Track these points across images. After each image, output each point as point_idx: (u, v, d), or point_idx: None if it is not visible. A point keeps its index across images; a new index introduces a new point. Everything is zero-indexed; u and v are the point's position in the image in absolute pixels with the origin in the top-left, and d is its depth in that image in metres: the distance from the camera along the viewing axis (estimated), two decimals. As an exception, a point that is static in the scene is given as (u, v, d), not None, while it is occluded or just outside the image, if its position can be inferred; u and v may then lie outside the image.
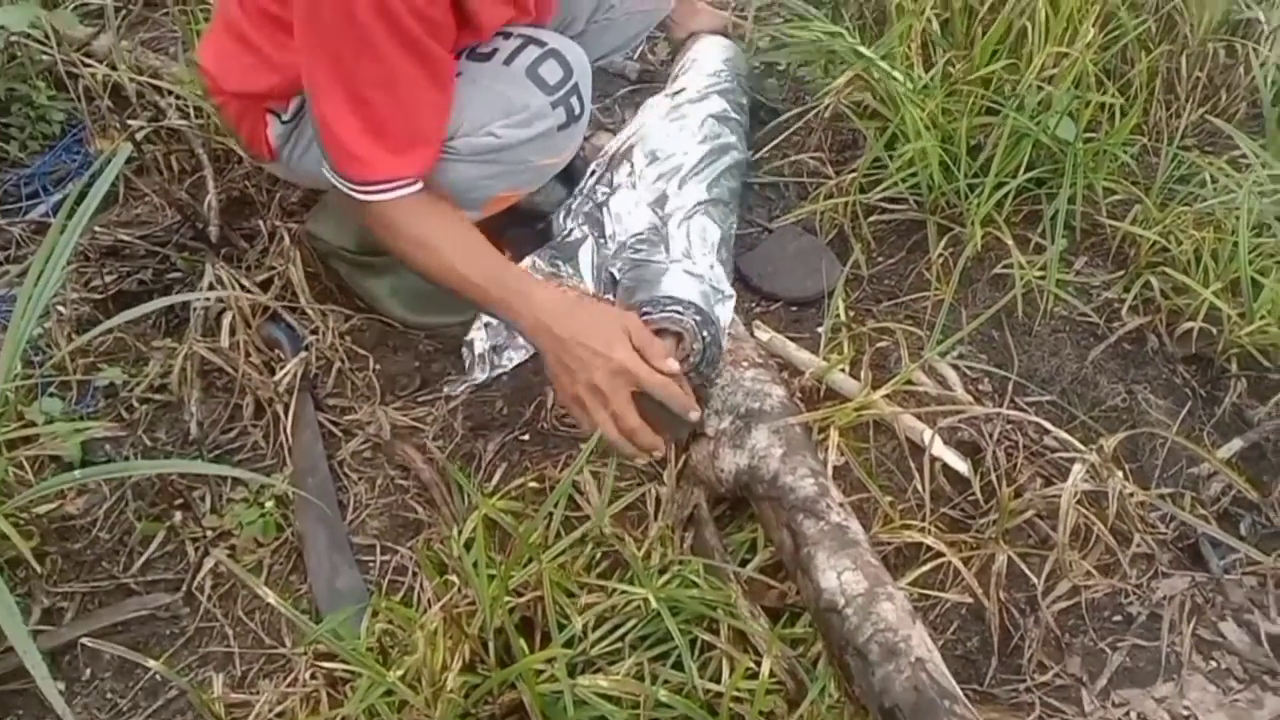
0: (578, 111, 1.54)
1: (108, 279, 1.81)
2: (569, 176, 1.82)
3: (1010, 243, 1.72)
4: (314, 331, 1.75)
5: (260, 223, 1.86)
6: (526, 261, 1.71)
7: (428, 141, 1.43)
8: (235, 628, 1.46)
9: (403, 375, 1.73)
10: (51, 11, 1.98)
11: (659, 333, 1.43)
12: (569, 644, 1.24)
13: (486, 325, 1.70)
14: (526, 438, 1.63)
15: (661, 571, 1.35)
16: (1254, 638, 1.42)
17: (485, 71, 1.50)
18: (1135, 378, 1.66)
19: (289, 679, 1.37)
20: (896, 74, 1.82)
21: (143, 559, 1.52)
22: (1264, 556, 1.45)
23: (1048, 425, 1.52)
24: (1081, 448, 1.48)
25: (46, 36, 1.96)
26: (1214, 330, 1.65)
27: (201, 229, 1.83)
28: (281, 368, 1.68)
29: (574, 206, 1.80)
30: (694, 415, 1.40)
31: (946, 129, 1.80)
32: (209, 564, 1.50)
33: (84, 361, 1.72)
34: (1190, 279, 1.66)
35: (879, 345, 1.64)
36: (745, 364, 1.52)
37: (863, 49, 1.88)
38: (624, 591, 1.28)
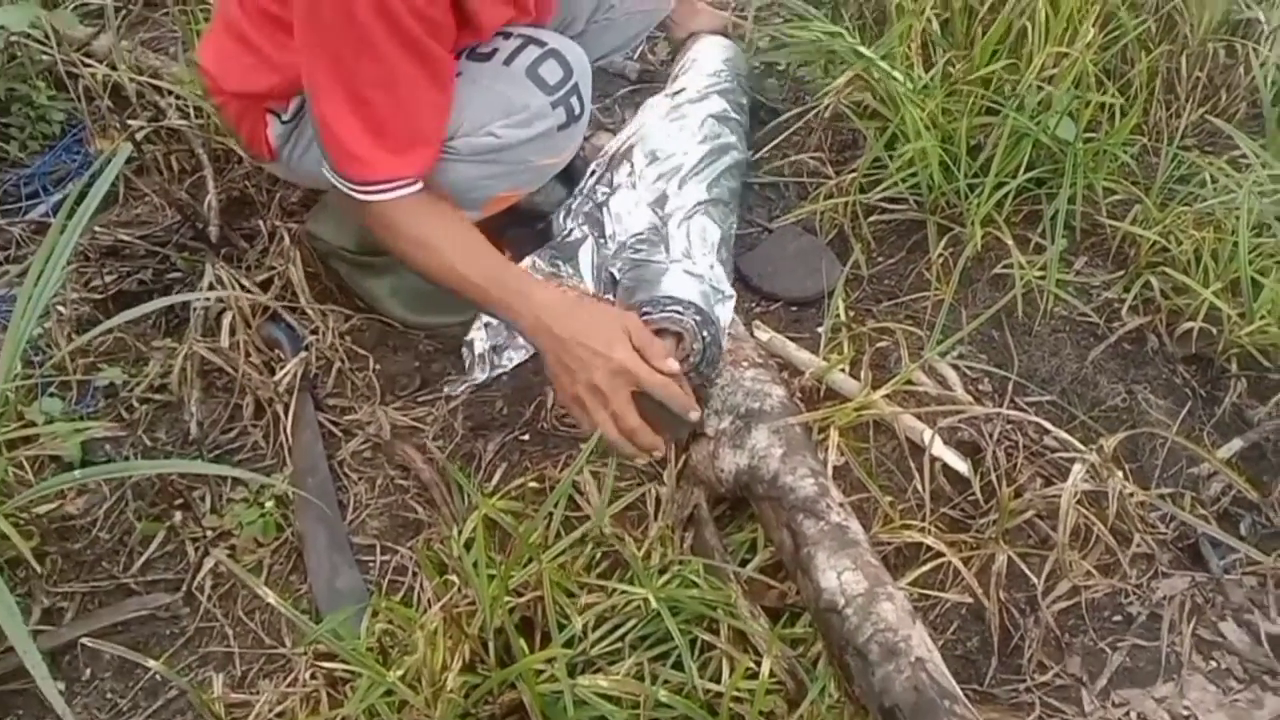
0: (578, 111, 1.54)
1: (108, 279, 1.81)
2: (569, 176, 1.82)
3: (1010, 243, 1.72)
4: (314, 331, 1.75)
5: (260, 223, 1.86)
6: (526, 261, 1.71)
7: (428, 141, 1.43)
8: (235, 628, 1.46)
9: (403, 375, 1.73)
10: (51, 11, 1.98)
11: (659, 333, 1.43)
12: (569, 644, 1.24)
13: (486, 325, 1.70)
14: (526, 438, 1.63)
15: (661, 571, 1.35)
16: (1254, 638, 1.42)
17: (485, 71, 1.50)
18: (1135, 378, 1.67)
19: (289, 679, 1.37)
20: (896, 74, 1.82)
21: (143, 559, 1.52)
22: (1264, 556, 1.45)
23: (1048, 425, 1.52)
24: (1081, 448, 1.48)
25: (46, 36, 1.96)
26: (1214, 330, 1.65)
27: (201, 229, 1.83)
28: (281, 368, 1.68)
29: (574, 206, 1.80)
30: (694, 415, 1.40)
31: (946, 129, 1.80)
32: (209, 564, 1.50)
33: (84, 361, 1.72)
34: (1190, 279, 1.66)
35: (879, 345, 1.64)
36: (745, 364, 1.52)
37: (862, 49, 1.88)
38: (624, 591, 1.28)
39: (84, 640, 1.37)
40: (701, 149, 1.80)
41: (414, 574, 1.48)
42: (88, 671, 1.42)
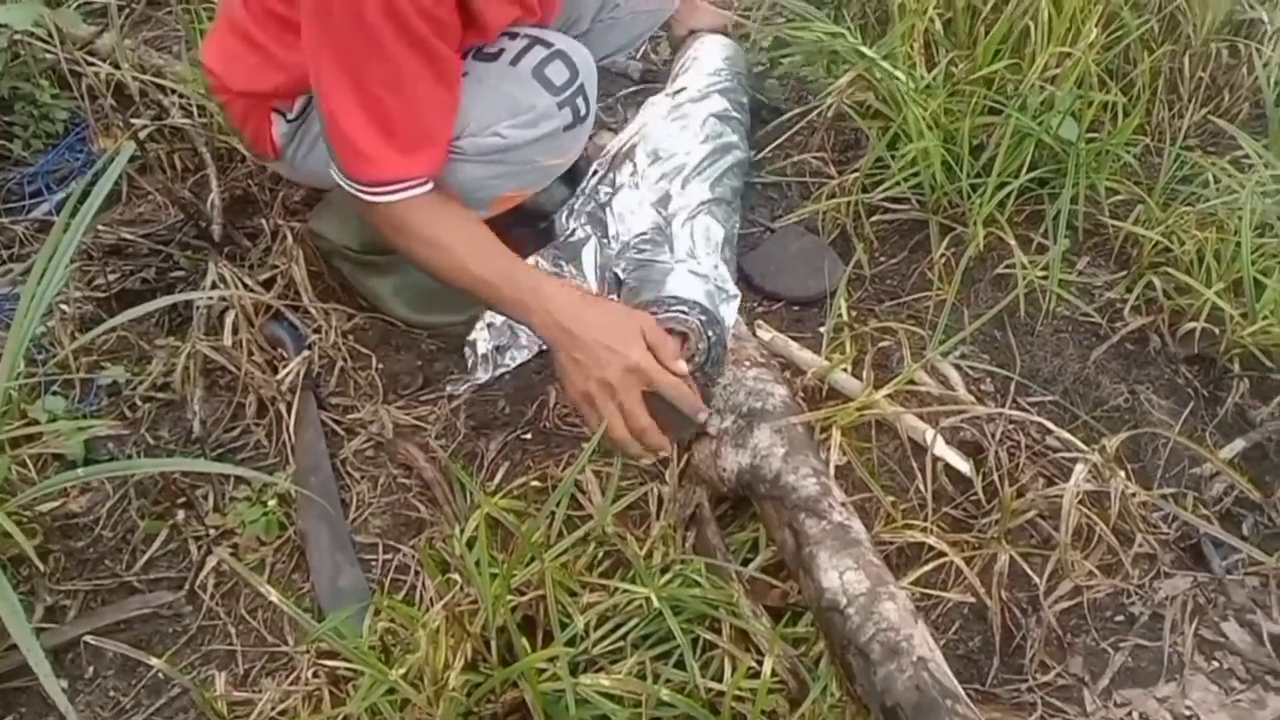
0: (583, 112, 1.54)
1: (111, 277, 1.81)
2: (571, 176, 1.82)
3: (1013, 243, 1.72)
4: (317, 330, 1.75)
5: (263, 221, 1.86)
6: (529, 261, 1.71)
7: (436, 141, 1.42)
8: (238, 626, 1.46)
9: (405, 374, 1.73)
10: (55, 10, 1.98)
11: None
12: (571, 643, 1.24)
13: (489, 325, 1.70)
14: (529, 437, 1.63)
15: (663, 571, 1.35)
16: (1256, 638, 1.42)
17: (492, 72, 1.50)
18: (1137, 378, 1.66)
19: (291, 677, 1.37)
20: (899, 74, 1.82)
21: (145, 557, 1.52)
22: (1266, 557, 1.45)
23: (1050, 425, 1.52)
24: (1084, 448, 1.48)
25: (50, 35, 1.96)
26: (1216, 330, 1.65)
27: (204, 228, 1.83)
28: (284, 366, 1.68)
29: (576, 206, 1.80)
30: (703, 417, 1.40)
31: (949, 129, 1.80)
32: (211, 562, 1.51)
33: (87, 360, 1.72)
34: (1193, 279, 1.66)
35: (881, 345, 1.64)
36: (747, 363, 1.52)
37: (864, 49, 1.88)
38: (626, 590, 1.28)
39: (87, 638, 1.38)
40: (704, 148, 1.80)
41: (416, 573, 1.48)
42: (90, 669, 1.42)
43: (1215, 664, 1.39)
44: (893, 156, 1.83)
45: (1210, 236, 1.69)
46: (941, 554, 1.38)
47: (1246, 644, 1.41)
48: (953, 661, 1.31)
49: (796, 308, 1.79)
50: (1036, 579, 1.40)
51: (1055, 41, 1.79)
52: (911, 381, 1.54)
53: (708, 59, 2.01)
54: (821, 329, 1.70)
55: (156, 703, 1.39)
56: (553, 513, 1.36)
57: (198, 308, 1.73)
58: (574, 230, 1.77)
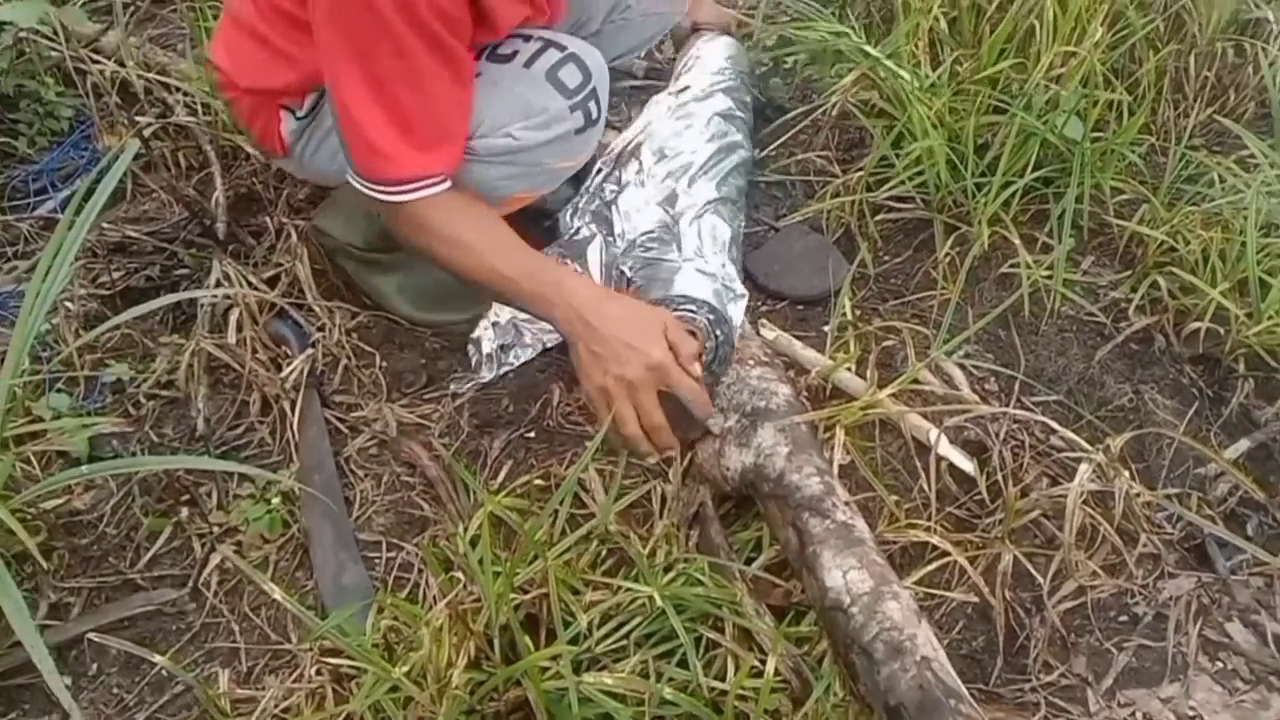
0: (595, 115, 1.54)
1: (115, 275, 1.81)
2: (576, 175, 1.82)
3: (1017, 242, 1.72)
4: (321, 328, 1.75)
5: (268, 219, 1.86)
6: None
7: (454, 139, 1.42)
8: (241, 623, 1.46)
9: (409, 372, 1.73)
10: (60, 8, 1.99)
11: None
12: (574, 641, 1.24)
13: (494, 324, 1.70)
14: (532, 435, 1.63)
15: (666, 569, 1.35)
16: (1260, 638, 1.41)
17: (505, 73, 1.50)
18: (1142, 377, 1.66)
19: (294, 675, 1.37)
20: (903, 73, 1.82)
21: (149, 554, 1.52)
22: (1271, 557, 1.44)
23: (1054, 425, 1.52)
24: (1088, 447, 1.48)
25: (55, 33, 1.96)
26: (1221, 330, 1.64)
27: (209, 226, 1.83)
28: (288, 364, 1.68)
29: (581, 205, 1.80)
30: (714, 421, 1.40)
31: (954, 128, 1.79)
32: (215, 560, 1.51)
33: (91, 357, 1.72)
34: (1198, 279, 1.65)
35: (885, 344, 1.64)
36: (751, 362, 1.52)
37: (869, 48, 1.88)
38: (629, 589, 1.28)
39: (90, 635, 1.38)
40: (710, 147, 1.80)
41: (419, 570, 1.48)
42: (94, 666, 1.42)
43: (1219, 664, 1.39)
44: (897, 155, 1.83)
45: (1215, 236, 1.68)
46: (945, 553, 1.38)
47: (1251, 644, 1.41)
48: (956, 661, 1.30)
49: (800, 306, 1.79)
50: (1040, 579, 1.40)
51: (1060, 40, 1.78)
52: (915, 381, 1.54)
53: (711, 58, 2.01)
54: (825, 328, 1.70)
55: (160, 700, 1.39)
56: (556, 511, 1.36)
57: (202, 305, 1.73)
58: (579, 229, 1.77)
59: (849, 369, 1.59)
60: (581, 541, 1.36)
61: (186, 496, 1.57)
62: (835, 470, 1.41)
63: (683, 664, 1.24)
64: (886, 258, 1.85)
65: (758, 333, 1.66)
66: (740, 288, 1.62)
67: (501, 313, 1.71)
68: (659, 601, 1.24)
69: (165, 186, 1.92)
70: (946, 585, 1.40)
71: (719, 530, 1.41)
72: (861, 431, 1.53)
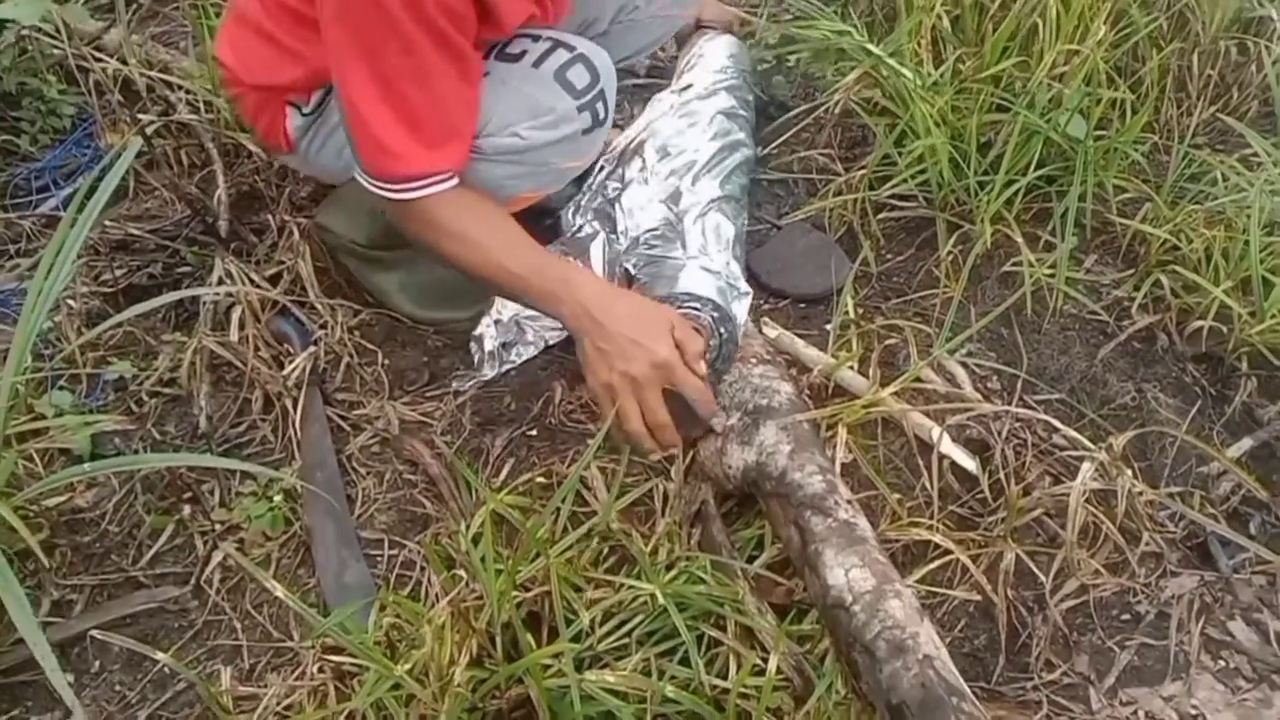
0: (602, 116, 1.54)
1: (118, 273, 1.82)
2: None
3: (1020, 240, 1.72)
4: (323, 326, 1.75)
5: (270, 217, 1.86)
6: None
7: (462, 136, 1.43)
8: (243, 621, 1.46)
9: (411, 370, 1.73)
10: (62, 5, 1.98)
11: None
12: (576, 639, 1.24)
13: (496, 321, 1.70)
14: (534, 433, 1.63)
15: (669, 567, 1.35)
16: (1263, 637, 1.41)
17: (514, 73, 1.51)
18: (1145, 376, 1.66)
19: (297, 672, 1.37)
20: (906, 71, 1.81)
21: (152, 552, 1.53)
22: (1273, 555, 1.44)
23: (1056, 423, 1.52)
24: (1090, 446, 1.47)
25: (57, 30, 1.96)
26: (1224, 329, 1.64)
27: (211, 223, 1.83)
28: (290, 362, 1.68)
29: (583, 203, 1.80)
30: (717, 420, 1.40)
31: (956, 126, 1.79)
32: (217, 557, 1.51)
33: (94, 355, 1.72)
34: (1201, 277, 1.65)
35: (888, 342, 1.64)
36: (753, 360, 1.52)
37: (871, 46, 1.87)
38: (631, 587, 1.28)
39: (93, 632, 1.38)
40: (713, 145, 1.80)
41: (422, 568, 1.48)
42: (96, 663, 1.43)
43: (1221, 663, 1.39)
44: (900, 154, 1.83)
45: (1218, 235, 1.68)
46: (947, 552, 1.38)
47: (1253, 643, 1.41)
48: (958, 659, 1.30)
49: (803, 305, 1.78)
50: (1042, 577, 1.40)
51: (1063, 39, 1.78)
52: (918, 379, 1.54)
53: (713, 56, 2.01)
54: (828, 326, 1.70)
55: (162, 697, 1.39)
56: (558, 509, 1.36)
57: (204, 303, 1.73)
58: (581, 226, 1.77)
59: (851, 367, 1.59)
60: (583, 539, 1.36)
61: (189, 494, 1.57)
62: (837, 468, 1.41)
63: (685, 662, 1.25)
64: (889, 256, 1.85)
65: (760, 331, 1.66)
66: (744, 286, 1.62)
67: (503, 310, 1.71)
68: (661, 599, 1.24)
69: (167, 184, 1.92)
70: (949, 584, 1.40)
71: (721, 528, 1.41)
72: (864, 430, 1.53)
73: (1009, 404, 1.55)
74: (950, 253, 1.77)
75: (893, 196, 1.85)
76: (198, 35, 2.12)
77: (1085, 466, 1.42)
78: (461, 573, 1.35)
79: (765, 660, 1.24)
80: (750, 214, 1.87)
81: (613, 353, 1.35)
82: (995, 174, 1.75)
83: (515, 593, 1.27)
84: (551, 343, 1.71)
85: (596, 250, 1.72)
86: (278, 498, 1.54)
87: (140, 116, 1.91)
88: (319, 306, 1.77)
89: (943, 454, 1.48)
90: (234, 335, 1.71)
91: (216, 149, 1.94)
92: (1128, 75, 1.91)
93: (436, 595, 1.39)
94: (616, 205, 1.75)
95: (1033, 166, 1.76)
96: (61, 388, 1.66)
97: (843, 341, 1.64)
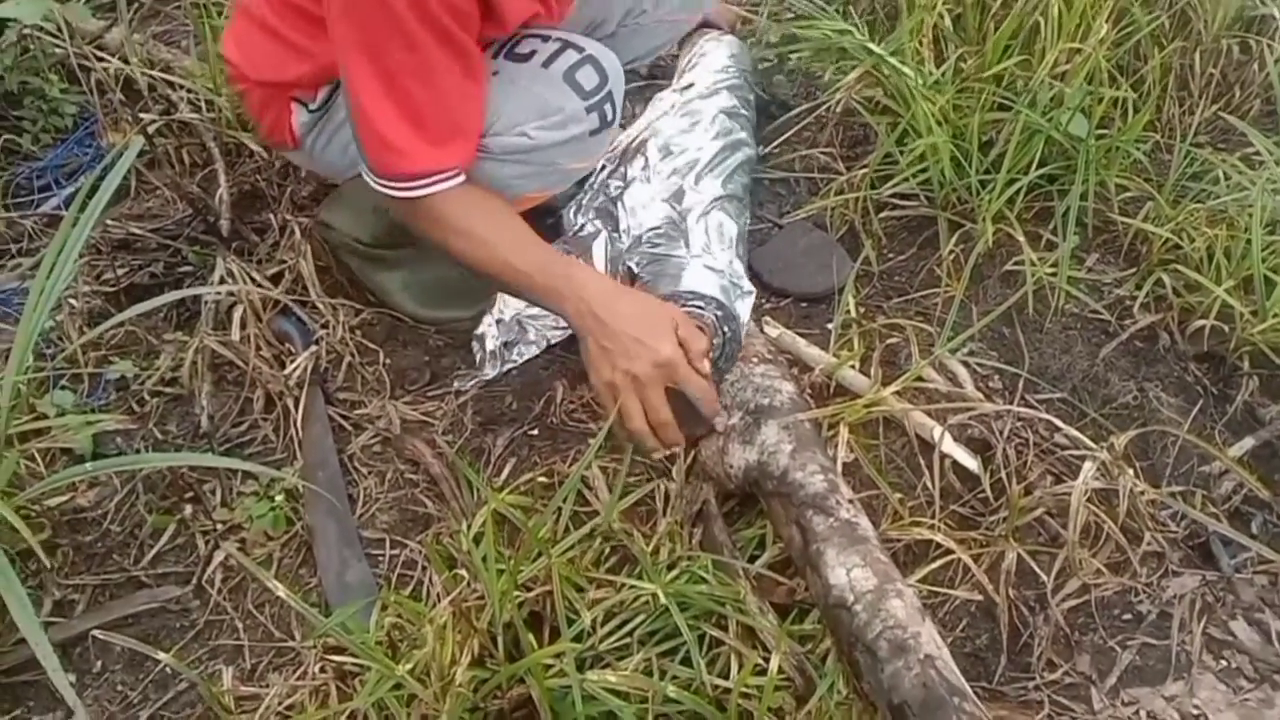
0: (610, 118, 1.54)
1: (119, 272, 1.82)
2: (579, 171, 1.83)
3: (1022, 239, 1.72)
4: (324, 325, 1.75)
5: (271, 216, 1.86)
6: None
7: (467, 133, 1.42)
8: (245, 621, 1.46)
9: (413, 370, 1.73)
10: (64, 4, 1.98)
11: None
12: (578, 639, 1.24)
13: (498, 321, 1.70)
14: (535, 433, 1.63)
15: (670, 567, 1.35)
16: (1265, 637, 1.41)
17: (524, 73, 1.51)
18: (1146, 375, 1.66)
19: (298, 672, 1.37)
20: (907, 70, 1.81)
21: (153, 552, 1.53)
22: (1275, 555, 1.44)
23: (1058, 423, 1.52)
24: (1092, 445, 1.47)
25: (59, 29, 1.96)
26: (1226, 328, 1.64)
27: (213, 222, 1.83)
28: (292, 361, 1.68)
29: (585, 201, 1.80)
30: (720, 420, 1.40)
31: (958, 125, 1.79)
32: (219, 557, 1.51)
33: (95, 354, 1.72)
34: (1203, 276, 1.65)
35: (889, 342, 1.64)
36: (755, 359, 1.52)
37: (873, 45, 1.87)
38: (633, 587, 1.28)
39: (95, 632, 1.39)
40: (715, 145, 1.80)
41: (423, 568, 1.48)
42: (98, 663, 1.43)
43: (1223, 663, 1.39)
44: (901, 152, 1.83)
45: (1220, 234, 1.68)
46: (949, 551, 1.38)
47: (1255, 643, 1.41)
48: (960, 659, 1.30)
49: (804, 304, 1.78)
50: (1044, 577, 1.40)
51: (1065, 37, 1.78)
52: (919, 378, 1.54)
53: (715, 56, 2.01)
54: (829, 325, 1.69)
55: (164, 697, 1.39)
56: (559, 509, 1.36)
57: (206, 303, 1.73)
58: (583, 225, 1.77)
59: (853, 366, 1.59)
60: (585, 539, 1.36)
61: (190, 494, 1.57)
62: (839, 468, 1.41)
63: (686, 662, 1.25)
64: (890, 255, 1.85)
65: (761, 330, 1.66)
66: (748, 285, 1.62)
67: (505, 309, 1.71)
68: (662, 599, 1.24)
69: (169, 183, 1.92)
70: (950, 583, 1.40)
71: (722, 528, 1.41)
72: (865, 429, 1.53)
73: (1010, 403, 1.55)
74: (952, 252, 1.76)
75: (894, 195, 1.85)
76: (199, 34, 2.12)
77: (1087, 466, 1.42)
78: (463, 572, 1.35)
79: (767, 660, 1.24)
80: (751, 213, 1.87)
81: (616, 351, 1.35)
82: (997, 173, 1.75)
83: (517, 592, 1.27)
84: (553, 342, 1.71)
85: (599, 249, 1.72)
86: (279, 497, 1.54)
87: (142, 115, 1.91)
88: (320, 306, 1.77)
89: (944, 453, 1.48)
90: (235, 335, 1.71)
91: (218, 148, 1.94)
92: (1129, 74, 1.91)
93: (438, 595, 1.39)
94: (619, 204, 1.75)
95: (1034, 165, 1.76)
96: (63, 387, 1.66)
97: (844, 341, 1.64)
